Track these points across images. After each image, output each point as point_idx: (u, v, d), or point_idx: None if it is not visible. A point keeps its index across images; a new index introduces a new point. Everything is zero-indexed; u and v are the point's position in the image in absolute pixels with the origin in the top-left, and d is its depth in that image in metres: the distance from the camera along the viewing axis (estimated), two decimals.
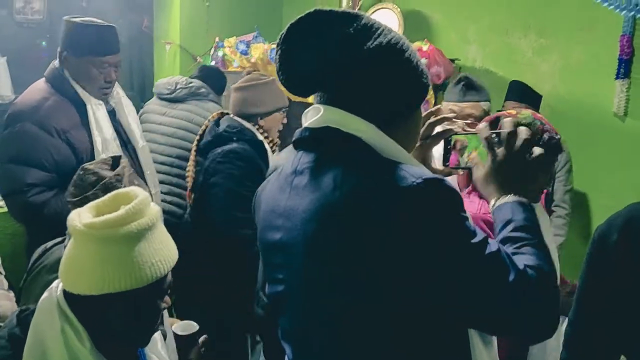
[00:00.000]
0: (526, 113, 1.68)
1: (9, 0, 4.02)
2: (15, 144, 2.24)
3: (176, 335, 1.64)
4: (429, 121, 1.40)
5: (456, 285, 0.94)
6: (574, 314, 1.27)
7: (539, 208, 1.80)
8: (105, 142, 2.36)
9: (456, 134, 1.31)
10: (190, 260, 2.28)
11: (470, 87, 2.28)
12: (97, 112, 2.38)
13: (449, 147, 1.30)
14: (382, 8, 3.84)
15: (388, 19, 3.78)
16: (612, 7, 2.11)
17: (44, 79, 2.39)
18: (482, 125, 1.18)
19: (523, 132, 1.13)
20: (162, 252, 1.26)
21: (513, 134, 1.13)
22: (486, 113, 2.27)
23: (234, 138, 2.45)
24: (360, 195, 0.99)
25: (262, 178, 1.28)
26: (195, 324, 1.69)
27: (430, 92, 3.20)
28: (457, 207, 0.97)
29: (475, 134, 1.20)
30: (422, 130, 1.37)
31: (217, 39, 3.75)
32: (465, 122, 2.21)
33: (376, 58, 1.06)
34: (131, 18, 4.23)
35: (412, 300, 0.96)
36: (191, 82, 3.11)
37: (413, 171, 0.98)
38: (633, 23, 3.09)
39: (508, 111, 1.43)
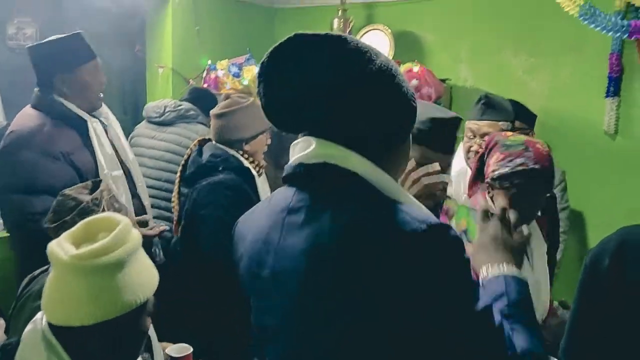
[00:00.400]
0: (518, 138, 1.71)
1: (1, 26, 4.04)
2: (20, 173, 2.20)
3: (171, 358, 1.63)
4: (423, 179, 1.45)
5: (449, 335, 0.93)
6: (566, 341, 1.25)
7: (536, 232, 1.81)
8: (107, 158, 2.38)
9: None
10: (180, 285, 2.28)
11: (488, 105, 2.33)
12: (97, 129, 2.40)
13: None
14: (373, 29, 3.86)
15: (379, 40, 3.81)
16: (598, 28, 2.12)
17: (30, 106, 2.37)
18: (481, 202, 1.22)
19: (513, 213, 1.23)
20: (144, 276, 1.27)
21: (504, 212, 1.23)
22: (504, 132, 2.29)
23: (220, 168, 2.38)
24: (362, 238, 0.95)
25: (251, 205, 1.25)
26: (189, 346, 1.68)
27: None
28: (461, 256, 0.95)
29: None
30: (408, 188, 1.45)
31: (209, 62, 3.76)
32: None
33: (366, 84, 1.01)
34: (124, 43, 4.26)
35: (408, 338, 0.95)
36: (180, 105, 3.10)
37: (416, 214, 0.95)
38: (621, 41, 3.12)
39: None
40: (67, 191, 1.73)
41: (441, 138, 1.56)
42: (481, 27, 3.68)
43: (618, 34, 2.13)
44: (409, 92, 1.07)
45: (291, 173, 1.07)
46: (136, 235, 1.28)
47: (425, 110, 1.57)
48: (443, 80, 3.64)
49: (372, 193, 1.01)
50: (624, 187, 3.23)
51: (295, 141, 1.08)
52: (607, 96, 3.25)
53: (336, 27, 3.87)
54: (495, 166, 1.68)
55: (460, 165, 2.37)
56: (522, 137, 1.71)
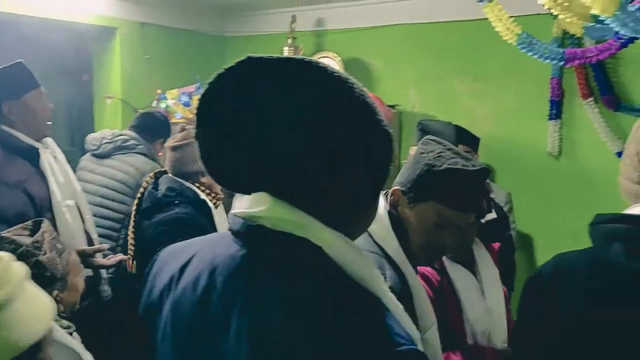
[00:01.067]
0: None
1: None
2: None
3: None
4: None
5: None
6: None
7: (485, 258, 1.84)
8: (60, 187, 2.34)
9: None
10: (134, 322, 2.21)
11: (424, 131, 2.45)
12: (49, 157, 2.37)
13: None
14: (323, 57, 3.91)
15: None
16: (536, 56, 2.20)
17: None
18: None
19: None
20: (34, 312, 1.20)
21: None
22: None
23: (175, 202, 2.34)
24: (316, 341, 0.72)
25: None
26: None
27: None
28: None
29: None
30: None
31: (159, 91, 3.73)
32: None
33: (336, 116, 0.81)
34: (70, 73, 4.18)
35: None
36: (119, 135, 3.01)
37: (394, 323, 0.76)
38: (561, 66, 3.24)
39: None
40: (4, 234, 1.66)
41: (460, 193, 1.38)
42: (428, 54, 3.77)
43: (554, 62, 2.21)
44: (388, 128, 0.88)
45: (234, 231, 0.88)
46: (17, 271, 1.21)
47: (443, 159, 1.41)
48: (392, 107, 3.70)
49: (335, 274, 0.80)
50: (569, 207, 3.32)
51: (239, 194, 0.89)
52: (550, 119, 3.36)
53: (286, 54, 3.90)
54: None
55: None
56: None
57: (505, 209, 3.13)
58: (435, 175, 1.38)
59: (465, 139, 3.19)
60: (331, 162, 0.80)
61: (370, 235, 1.38)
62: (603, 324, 1.13)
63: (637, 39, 1.95)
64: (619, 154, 3.14)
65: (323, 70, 0.82)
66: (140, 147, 3.01)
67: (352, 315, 0.74)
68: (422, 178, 1.40)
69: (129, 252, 2.49)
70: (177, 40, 4.22)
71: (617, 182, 1.26)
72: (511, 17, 2.28)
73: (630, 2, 1.54)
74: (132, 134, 3.04)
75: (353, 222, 0.87)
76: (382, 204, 1.43)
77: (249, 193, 0.86)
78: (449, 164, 1.38)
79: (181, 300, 0.85)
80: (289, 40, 3.93)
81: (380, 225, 1.38)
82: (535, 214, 3.41)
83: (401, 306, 0.86)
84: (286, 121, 0.79)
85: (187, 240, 0.98)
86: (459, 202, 1.38)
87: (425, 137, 1.50)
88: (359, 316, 0.75)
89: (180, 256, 0.92)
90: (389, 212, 1.43)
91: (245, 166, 0.82)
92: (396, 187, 1.46)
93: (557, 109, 3.34)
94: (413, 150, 2.48)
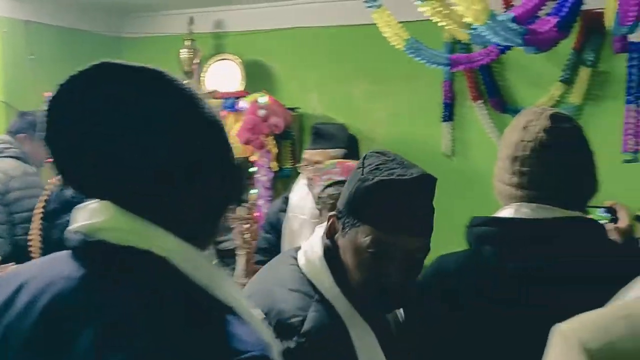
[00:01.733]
0: (332, 162, 1.88)
1: None
2: None
3: None
4: None
5: None
6: None
7: None
8: None
9: None
10: None
11: (318, 135, 2.47)
12: None
13: None
14: (223, 59, 3.86)
15: (229, 70, 3.81)
16: (423, 61, 2.27)
17: None
18: None
19: None
20: None
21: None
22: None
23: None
24: (160, 353, 0.71)
25: None
26: None
27: (273, 142, 3.24)
28: None
29: None
30: None
31: (46, 94, 3.52)
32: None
33: (182, 128, 0.81)
34: None
35: None
36: None
37: (243, 334, 0.75)
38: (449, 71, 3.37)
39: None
40: None
41: (397, 210, 1.12)
42: (327, 57, 3.80)
43: (441, 66, 2.29)
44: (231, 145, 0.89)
45: (75, 247, 0.84)
46: None
47: (378, 171, 1.14)
48: (293, 109, 3.71)
49: (182, 285, 0.78)
50: (463, 204, 3.46)
51: (81, 205, 0.86)
52: (443, 121, 3.49)
53: (185, 56, 3.81)
54: (315, 189, 1.80)
55: (301, 190, 2.45)
56: (335, 161, 1.86)
57: None
58: (366, 192, 1.12)
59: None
60: (175, 172, 0.81)
61: (302, 272, 1.20)
62: (477, 323, 1.18)
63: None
64: None
65: (174, 83, 0.83)
66: (10, 150, 2.87)
67: (196, 325, 0.73)
68: (353, 197, 1.15)
69: (33, 254, 2.40)
70: (68, 41, 4.00)
71: None
72: (404, 22, 2.34)
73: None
74: (4, 137, 2.90)
75: (201, 232, 0.87)
76: (319, 235, 1.26)
77: (101, 198, 0.84)
78: (382, 176, 1.12)
79: (16, 326, 0.79)
80: (187, 43, 3.83)
81: (313, 259, 1.20)
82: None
83: (258, 315, 0.85)
84: (132, 129, 0.79)
85: (18, 266, 0.93)
86: (396, 221, 1.12)
87: (370, 151, 1.25)
88: (203, 326, 0.74)
89: (9, 284, 0.85)
90: (325, 245, 1.22)
91: (93, 171, 0.81)
92: (332, 214, 1.23)
93: (449, 111, 3.47)
94: (307, 155, 2.52)
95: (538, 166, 1.20)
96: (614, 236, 1.47)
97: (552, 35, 1.84)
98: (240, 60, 3.81)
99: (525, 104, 3.31)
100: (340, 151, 2.42)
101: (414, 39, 2.32)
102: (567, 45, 2.95)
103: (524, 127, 1.23)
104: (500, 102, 3.33)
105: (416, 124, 3.60)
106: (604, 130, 2.89)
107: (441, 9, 1.77)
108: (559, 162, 1.20)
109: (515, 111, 3.31)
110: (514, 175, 1.23)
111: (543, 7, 2.03)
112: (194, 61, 3.79)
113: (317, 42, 3.82)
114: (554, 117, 1.22)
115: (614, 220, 1.51)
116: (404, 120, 3.64)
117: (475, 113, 3.40)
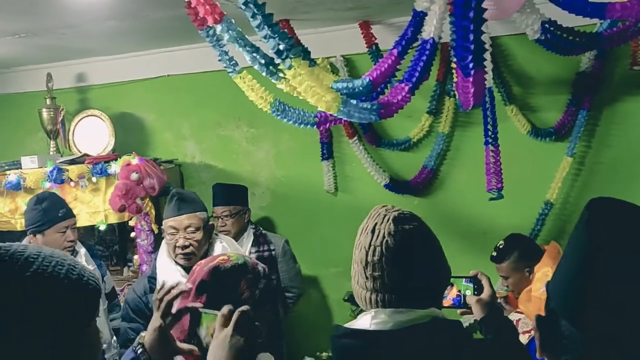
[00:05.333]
0: (235, 255, 1.75)
1: None
2: None
3: None
4: (166, 297, 1.36)
5: None
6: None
7: None
8: None
9: (197, 311, 1.33)
10: None
11: (182, 200, 2.36)
12: None
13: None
14: (89, 116, 3.65)
15: (97, 126, 3.61)
16: (290, 122, 2.27)
17: None
18: (225, 309, 1.22)
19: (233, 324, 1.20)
20: None
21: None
22: (204, 221, 2.31)
23: None
24: None
25: None
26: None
27: (151, 205, 3.10)
28: None
29: (216, 314, 1.24)
30: (161, 308, 1.34)
31: None
32: (187, 231, 2.26)
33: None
34: None
35: None
36: None
37: None
38: None
39: (221, 259, 1.46)
40: None
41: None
42: (201, 104, 3.71)
43: (308, 126, 2.29)
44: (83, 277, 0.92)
45: None
46: None
47: None
48: (171, 162, 3.58)
49: None
50: (349, 237, 3.50)
51: None
52: (322, 159, 3.52)
53: (45, 116, 3.56)
54: None
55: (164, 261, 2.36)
56: (238, 254, 1.76)
57: (285, 258, 3.19)
58: None
59: (240, 198, 3.26)
60: None
61: None
62: None
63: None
64: (386, 186, 3.40)
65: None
66: None
67: None
68: None
69: None
70: None
71: None
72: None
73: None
74: None
75: None
76: None
77: None
78: None
79: None
80: (47, 101, 3.59)
81: None
82: (319, 249, 3.55)
83: None
84: None
85: None
86: None
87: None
88: None
89: None
90: None
91: None
92: None
93: (327, 149, 3.51)
94: (217, 212, 2.36)
95: (388, 269, 1.23)
96: (478, 309, 1.52)
97: (406, 101, 1.89)
98: (108, 115, 3.62)
99: (399, 136, 3.42)
100: (204, 213, 2.35)
101: (279, 100, 2.31)
102: (431, 78, 3.06)
103: (372, 231, 1.27)
104: (375, 137, 3.41)
105: (299, 164, 3.61)
106: (474, 155, 3.03)
107: (299, 89, 1.76)
108: (407, 264, 1.24)
109: (390, 144, 3.41)
110: (368, 279, 1.26)
111: (398, 67, 2.08)
112: (57, 121, 3.55)
113: (188, 88, 3.71)
114: (396, 220, 1.27)
115: (478, 289, 1.56)
116: (285, 161, 3.64)
117: (353, 149, 3.45)
